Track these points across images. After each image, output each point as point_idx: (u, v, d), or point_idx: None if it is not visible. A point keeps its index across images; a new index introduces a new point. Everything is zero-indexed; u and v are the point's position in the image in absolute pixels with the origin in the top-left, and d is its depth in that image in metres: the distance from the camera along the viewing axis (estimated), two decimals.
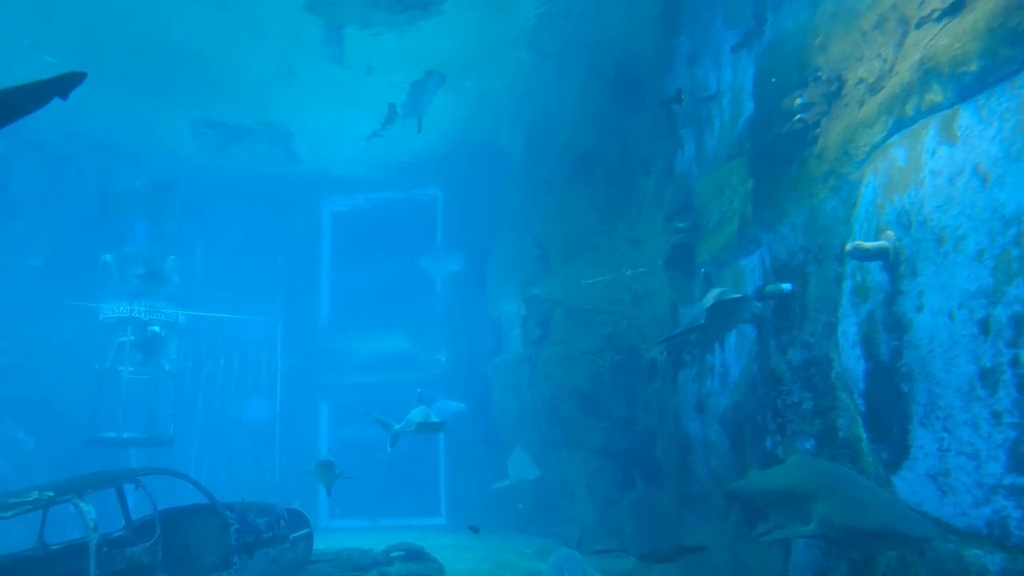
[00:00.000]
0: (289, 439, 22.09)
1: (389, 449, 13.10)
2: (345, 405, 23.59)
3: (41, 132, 16.98)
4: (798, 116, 8.57)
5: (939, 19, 6.76)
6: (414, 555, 12.85)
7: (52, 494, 7.71)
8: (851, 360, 7.42)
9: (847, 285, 7.55)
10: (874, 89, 7.61)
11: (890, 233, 6.88)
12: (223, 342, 22.34)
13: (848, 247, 7.09)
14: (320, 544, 11.82)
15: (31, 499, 7.57)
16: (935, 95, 6.45)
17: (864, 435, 7.19)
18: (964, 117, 6.13)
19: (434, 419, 12.14)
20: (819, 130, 8.38)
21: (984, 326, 5.78)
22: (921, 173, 6.57)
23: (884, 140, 7.19)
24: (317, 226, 24.13)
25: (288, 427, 22.23)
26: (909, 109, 6.80)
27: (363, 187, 22.26)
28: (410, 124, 17.18)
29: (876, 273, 7.08)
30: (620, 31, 13.36)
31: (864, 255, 6.98)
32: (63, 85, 3.85)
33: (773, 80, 9.04)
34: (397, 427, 12.74)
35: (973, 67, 5.98)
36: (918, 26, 7.10)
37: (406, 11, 12.39)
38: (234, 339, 22.44)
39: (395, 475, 22.79)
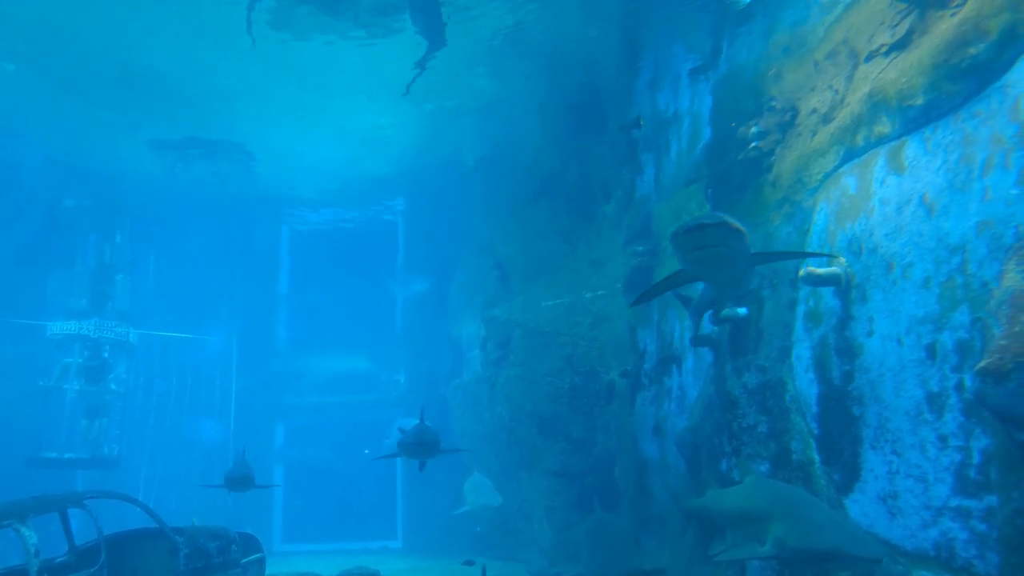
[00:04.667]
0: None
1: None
2: (302, 426, 23.23)
3: None
4: (753, 144, 8.78)
5: (887, 54, 7.01)
6: None
7: None
8: (804, 384, 7.55)
9: (801, 310, 7.70)
10: (826, 119, 7.83)
11: (842, 259, 7.05)
12: (176, 361, 21.85)
13: (801, 273, 7.25)
14: (273, 569, 11.56)
15: None
16: (883, 127, 6.66)
17: (817, 458, 7.31)
18: (911, 148, 6.34)
19: (429, 439, 10.01)
20: (774, 158, 8.59)
21: (931, 351, 5.95)
22: (871, 202, 6.77)
23: (836, 169, 7.39)
24: (276, 245, 23.83)
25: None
26: (859, 139, 7.02)
27: (323, 206, 22.03)
28: (373, 141, 17.17)
29: (828, 298, 7.24)
30: (581, 57, 13.54)
31: (817, 281, 7.15)
32: None
33: (733, 125, 9.20)
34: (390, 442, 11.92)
35: (919, 100, 6.20)
36: (867, 60, 7.35)
37: (367, 26, 12.39)
38: (188, 358, 21.97)
39: (351, 497, 22.46)
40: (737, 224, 5.53)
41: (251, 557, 10.16)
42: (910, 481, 6.09)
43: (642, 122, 11.99)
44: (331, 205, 21.79)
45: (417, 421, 10.79)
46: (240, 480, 11.00)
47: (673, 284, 6.29)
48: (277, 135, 16.99)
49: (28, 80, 14.19)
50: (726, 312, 8.69)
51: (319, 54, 13.17)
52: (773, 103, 8.74)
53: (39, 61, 13.58)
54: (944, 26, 6.22)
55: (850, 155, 7.17)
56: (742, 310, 8.59)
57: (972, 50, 5.69)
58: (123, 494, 9.22)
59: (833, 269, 7.08)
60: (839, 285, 7.03)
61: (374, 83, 14.57)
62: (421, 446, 9.93)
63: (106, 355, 17.00)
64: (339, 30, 12.54)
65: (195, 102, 15.28)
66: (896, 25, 6.93)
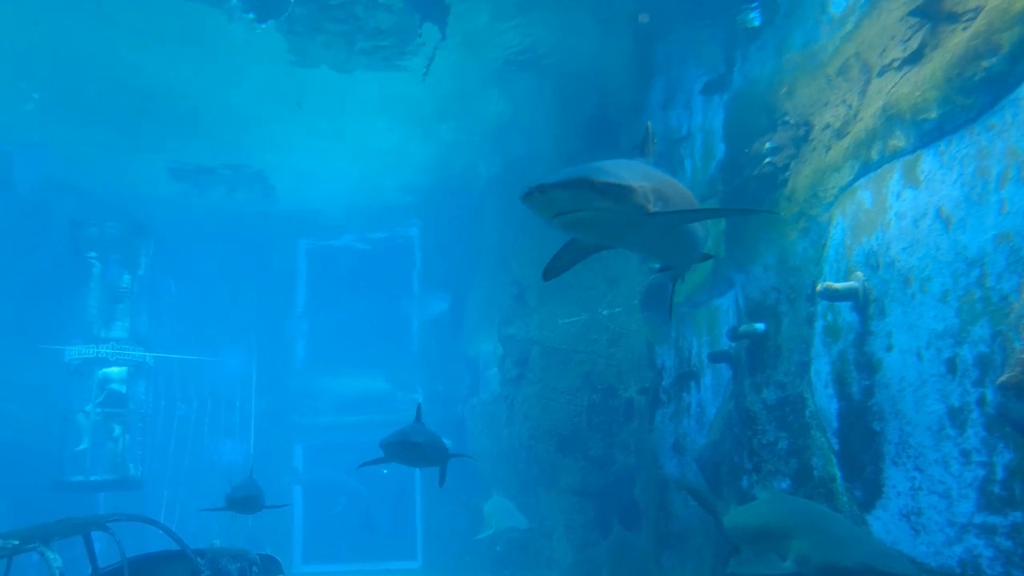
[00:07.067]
0: (263, 482, 21.68)
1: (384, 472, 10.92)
2: (320, 446, 23.29)
3: (13, 173, 16.87)
4: (768, 159, 8.79)
5: (900, 68, 7.02)
6: None
7: (16, 542, 7.48)
8: (824, 399, 7.50)
9: (819, 325, 7.67)
10: (840, 134, 7.83)
11: (859, 274, 7.03)
12: (195, 383, 22.01)
13: (819, 288, 7.24)
14: None
15: None
16: (898, 140, 6.66)
17: (838, 474, 7.25)
18: (926, 162, 6.33)
19: (414, 439, 8.27)
20: (788, 173, 8.59)
21: (951, 366, 5.90)
22: (887, 215, 6.75)
23: (851, 183, 7.39)
24: (293, 265, 24.02)
25: (262, 469, 21.85)
26: (874, 154, 7.01)
27: (340, 227, 22.25)
28: (389, 163, 17.34)
29: (846, 313, 7.21)
30: (594, 76, 13.63)
31: (834, 296, 7.12)
32: None
33: (746, 151, 9.20)
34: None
35: (933, 114, 6.20)
36: (880, 74, 7.36)
37: (380, 52, 12.59)
38: (207, 380, 22.13)
39: (370, 517, 22.44)
40: (607, 180, 4.19)
41: None
42: (934, 497, 6.03)
43: (656, 141, 12.01)
44: (348, 226, 22.01)
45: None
46: (240, 501, 11.01)
47: (574, 254, 5.27)
48: (294, 159, 17.22)
49: (51, 109, 14.52)
50: (744, 327, 8.68)
51: (335, 80, 13.37)
52: (787, 118, 8.76)
53: (62, 91, 13.91)
54: (956, 40, 6.23)
55: (865, 169, 7.17)
56: (760, 325, 8.58)
57: (985, 63, 5.69)
58: (146, 516, 9.29)
59: (850, 283, 7.06)
60: (857, 300, 7.00)
61: (390, 106, 14.76)
62: (405, 446, 8.08)
63: (122, 381, 17.16)
64: (355, 62, 12.78)
65: (213, 128, 15.54)
66: (908, 39, 6.95)
